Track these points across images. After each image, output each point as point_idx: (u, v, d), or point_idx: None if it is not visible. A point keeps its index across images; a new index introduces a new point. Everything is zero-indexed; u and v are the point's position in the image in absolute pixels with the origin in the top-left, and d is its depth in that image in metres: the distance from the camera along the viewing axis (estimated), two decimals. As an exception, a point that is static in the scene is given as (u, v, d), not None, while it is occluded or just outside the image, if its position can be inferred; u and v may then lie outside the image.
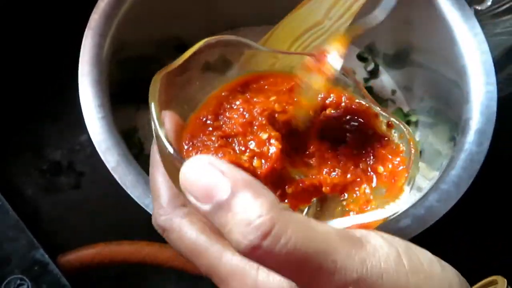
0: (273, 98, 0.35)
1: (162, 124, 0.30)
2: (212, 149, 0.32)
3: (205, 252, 0.28)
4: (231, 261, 0.27)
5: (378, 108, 0.35)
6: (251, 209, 0.23)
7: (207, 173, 0.24)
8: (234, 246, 0.23)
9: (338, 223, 0.27)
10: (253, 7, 0.71)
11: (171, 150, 0.28)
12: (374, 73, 0.73)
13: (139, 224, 0.58)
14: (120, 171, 0.47)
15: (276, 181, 0.32)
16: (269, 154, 0.32)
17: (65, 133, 0.68)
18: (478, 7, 0.61)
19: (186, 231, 0.29)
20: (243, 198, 0.23)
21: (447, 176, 0.48)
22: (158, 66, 0.70)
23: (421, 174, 0.64)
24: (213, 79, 0.36)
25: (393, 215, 0.29)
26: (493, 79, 0.53)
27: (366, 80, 0.72)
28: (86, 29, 0.53)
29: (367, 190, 0.33)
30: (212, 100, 0.35)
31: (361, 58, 0.74)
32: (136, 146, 0.65)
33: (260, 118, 0.33)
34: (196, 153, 0.32)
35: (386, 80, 0.73)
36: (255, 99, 0.35)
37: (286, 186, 0.32)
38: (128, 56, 0.60)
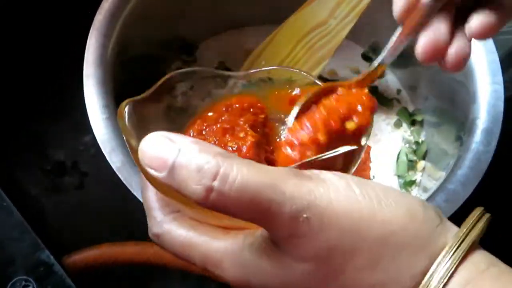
0: (261, 116, 0.37)
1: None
2: None
3: (195, 244, 0.29)
4: (220, 245, 0.28)
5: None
6: (199, 158, 0.24)
7: (159, 144, 0.25)
8: (194, 198, 0.24)
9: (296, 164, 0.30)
10: (257, 7, 0.71)
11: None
12: (379, 73, 0.72)
13: (143, 224, 0.57)
14: (125, 172, 0.47)
15: None
16: (243, 146, 0.34)
17: (69, 133, 0.68)
18: (484, 6, 0.61)
19: (175, 231, 0.30)
20: (190, 153, 0.25)
21: (454, 176, 0.48)
22: (163, 66, 0.71)
23: (427, 174, 0.64)
24: (213, 88, 0.38)
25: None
26: (499, 78, 0.53)
27: (371, 79, 0.72)
28: (90, 30, 0.53)
29: None
30: (197, 120, 0.36)
31: (365, 57, 0.73)
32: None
33: (242, 124, 0.35)
34: None
35: (391, 79, 0.72)
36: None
37: None
38: (132, 56, 0.60)
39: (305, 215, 0.25)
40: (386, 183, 0.65)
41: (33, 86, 0.69)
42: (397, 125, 0.69)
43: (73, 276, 0.52)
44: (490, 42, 0.54)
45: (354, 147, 0.32)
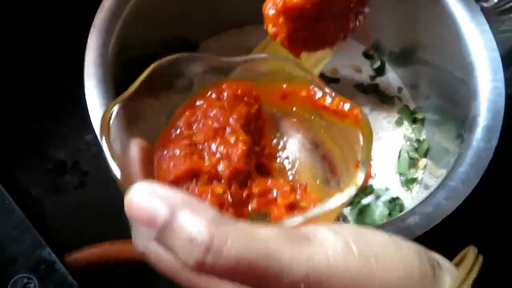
0: (255, 106, 0.36)
1: (127, 153, 0.31)
2: (177, 157, 0.32)
3: (182, 270, 0.28)
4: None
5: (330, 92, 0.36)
6: (191, 226, 0.24)
7: (146, 200, 0.25)
8: (185, 264, 0.24)
9: (288, 222, 0.27)
10: (258, 6, 0.71)
11: (118, 177, 0.29)
12: (380, 71, 0.73)
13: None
14: (126, 170, 0.47)
15: (242, 182, 0.33)
16: (233, 156, 0.33)
17: (70, 132, 0.68)
18: (485, 4, 0.61)
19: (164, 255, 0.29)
20: (181, 218, 0.24)
21: (455, 173, 0.48)
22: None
23: (429, 172, 0.64)
24: (184, 91, 0.36)
25: (342, 202, 0.29)
26: (500, 75, 0.53)
27: (373, 77, 0.72)
28: (91, 29, 0.53)
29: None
30: (185, 108, 0.35)
31: (367, 55, 0.74)
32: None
33: (234, 124, 0.34)
34: (165, 163, 0.33)
35: (392, 77, 0.72)
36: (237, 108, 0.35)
37: (254, 186, 0.33)
38: (133, 56, 0.60)
39: (303, 284, 0.24)
40: (388, 181, 0.65)
41: (34, 86, 0.69)
42: (398, 123, 0.69)
43: (74, 274, 0.52)
44: (491, 40, 0.54)
45: (346, 199, 0.29)
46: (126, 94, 0.33)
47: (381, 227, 0.46)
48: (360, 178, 0.30)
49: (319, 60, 0.62)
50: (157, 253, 0.28)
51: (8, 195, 0.55)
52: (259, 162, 0.35)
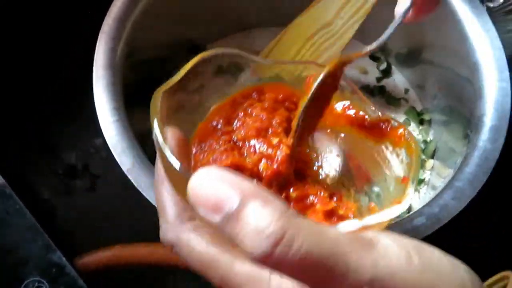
0: (295, 112, 0.35)
1: (166, 139, 0.30)
2: (217, 152, 0.32)
3: (216, 263, 0.28)
4: (242, 269, 0.27)
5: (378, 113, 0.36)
6: (261, 218, 0.23)
7: (215, 185, 0.24)
8: (248, 255, 0.23)
9: (345, 226, 0.27)
10: (264, 8, 0.72)
11: (177, 165, 0.28)
12: (386, 72, 0.73)
13: (154, 225, 0.58)
14: (135, 173, 0.47)
15: (281, 184, 0.33)
16: (276, 157, 0.32)
17: (80, 136, 0.69)
18: (491, 4, 0.61)
19: (195, 245, 0.29)
20: (252, 207, 0.23)
21: (462, 173, 0.48)
22: (172, 68, 0.71)
23: (436, 173, 0.63)
24: (223, 85, 0.36)
25: (397, 216, 0.29)
26: (506, 75, 0.52)
27: (379, 79, 0.72)
28: (99, 33, 0.54)
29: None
30: (225, 106, 0.35)
31: (373, 57, 0.74)
32: (151, 148, 0.65)
33: (276, 126, 0.34)
34: (203, 156, 0.32)
35: (398, 79, 0.73)
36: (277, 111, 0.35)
37: (291, 190, 0.33)
38: (141, 59, 0.61)
39: None
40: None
41: (44, 90, 0.69)
42: (406, 124, 0.69)
43: (85, 277, 0.53)
44: (496, 39, 0.54)
45: (402, 211, 0.30)
46: (172, 81, 0.32)
47: (389, 227, 0.46)
48: (411, 193, 0.30)
49: (325, 63, 0.62)
50: (190, 245, 0.28)
51: (19, 199, 0.55)
52: (297, 168, 0.35)
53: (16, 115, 0.68)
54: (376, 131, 0.35)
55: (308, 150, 0.36)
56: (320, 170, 0.36)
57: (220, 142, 0.33)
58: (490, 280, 0.30)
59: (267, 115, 0.34)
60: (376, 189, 0.35)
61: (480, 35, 0.55)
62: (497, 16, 0.60)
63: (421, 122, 0.69)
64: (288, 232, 0.23)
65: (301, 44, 0.63)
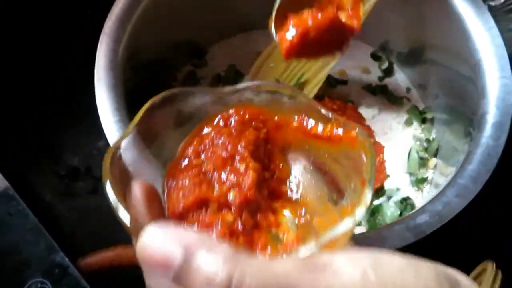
0: (264, 130, 0.36)
1: (130, 196, 0.31)
2: (186, 188, 0.32)
3: None
4: None
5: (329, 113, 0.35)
6: (208, 266, 0.24)
7: (160, 243, 0.25)
8: None
9: (303, 252, 0.27)
10: (265, 10, 0.72)
11: (127, 221, 0.29)
12: (388, 72, 0.73)
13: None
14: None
15: (253, 210, 0.33)
16: (244, 185, 0.32)
17: (83, 139, 0.69)
18: (492, 3, 0.61)
19: None
20: (198, 258, 0.24)
21: (465, 171, 0.48)
22: (173, 70, 0.72)
23: (438, 171, 0.63)
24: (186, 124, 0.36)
25: (354, 223, 0.29)
26: (508, 72, 0.52)
27: (381, 78, 0.72)
28: (101, 35, 0.54)
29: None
30: (192, 139, 0.35)
31: (375, 57, 0.74)
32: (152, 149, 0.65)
33: (242, 151, 0.34)
34: (174, 195, 0.32)
35: (400, 78, 0.73)
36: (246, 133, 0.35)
37: (262, 218, 0.33)
38: (143, 61, 0.61)
39: None
40: (398, 182, 0.65)
41: (47, 93, 0.70)
42: (408, 123, 0.69)
43: (88, 278, 0.52)
44: (498, 38, 0.54)
45: (357, 220, 0.29)
46: (125, 135, 0.32)
47: (392, 225, 0.46)
48: (368, 196, 0.30)
49: (327, 63, 0.62)
50: None
51: (22, 200, 0.55)
52: (270, 188, 0.35)
53: (18, 116, 0.68)
54: (333, 137, 0.34)
55: (281, 165, 0.36)
56: (292, 185, 0.36)
57: (189, 177, 0.33)
58: (473, 273, 0.30)
59: (233, 141, 0.34)
60: (347, 196, 0.34)
61: (482, 34, 0.55)
62: (498, 14, 0.60)
63: (423, 121, 0.69)
64: (235, 276, 0.23)
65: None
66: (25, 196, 0.56)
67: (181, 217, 0.32)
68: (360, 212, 0.29)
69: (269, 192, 0.35)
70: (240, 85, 0.36)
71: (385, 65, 0.73)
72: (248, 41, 0.75)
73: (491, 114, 0.51)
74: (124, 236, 0.61)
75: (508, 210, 0.63)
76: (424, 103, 0.70)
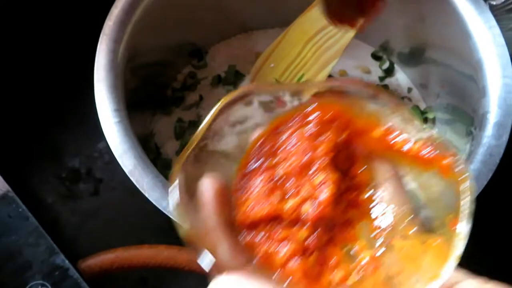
0: (346, 132, 0.32)
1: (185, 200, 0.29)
2: (256, 197, 0.30)
3: None
4: None
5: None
6: None
7: None
8: None
9: None
10: (264, 10, 0.72)
11: (186, 226, 0.28)
12: (389, 72, 0.72)
13: (157, 228, 0.58)
14: (137, 174, 0.47)
15: (328, 228, 0.30)
16: (321, 198, 0.29)
17: (84, 140, 0.69)
18: (493, 2, 0.61)
19: None
20: None
21: (466, 170, 0.48)
22: (173, 71, 0.71)
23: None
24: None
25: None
26: (510, 71, 0.52)
27: (382, 78, 0.72)
28: (100, 36, 0.54)
29: None
30: (265, 139, 0.32)
31: (376, 57, 0.73)
32: (152, 151, 0.65)
33: (321, 157, 0.30)
34: (243, 205, 0.30)
35: (401, 78, 0.72)
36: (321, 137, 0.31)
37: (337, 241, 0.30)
38: (143, 62, 0.61)
39: None
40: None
41: (47, 95, 0.69)
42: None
43: (88, 280, 0.52)
44: (499, 37, 0.54)
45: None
46: (199, 133, 0.30)
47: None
48: (460, 246, 0.27)
49: (326, 63, 0.62)
50: None
51: (22, 203, 0.55)
52: (349, 199, 0.32)
53: (18, 118, 0.68)
54: (420, 157, 0.30)
55: (362, 170, 0.32)
56: (374, 195, 0.32)
57: (261, 182, 0.30)
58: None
59: (311, 144, 0.30)
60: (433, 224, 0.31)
61: (483, 33, 0.55)
62: (499, 13, 0.60)
63: (425, 120, 0.68)
64: None
65: (302, 44, 0.63)
66: (25, 199, 0.56)
67: (251, 227, 0.30)
68: (450, 266, 0.26)
69: (347, 203, 0.31)
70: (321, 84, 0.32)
71: (386, 65, 0.72)
72: (248, 41, 0.74)
73: (493, 114, 0.50)
74: (125, 238, 0.61)
75: (509, 209, 0.63)
76: (425, 102, 0.70)
